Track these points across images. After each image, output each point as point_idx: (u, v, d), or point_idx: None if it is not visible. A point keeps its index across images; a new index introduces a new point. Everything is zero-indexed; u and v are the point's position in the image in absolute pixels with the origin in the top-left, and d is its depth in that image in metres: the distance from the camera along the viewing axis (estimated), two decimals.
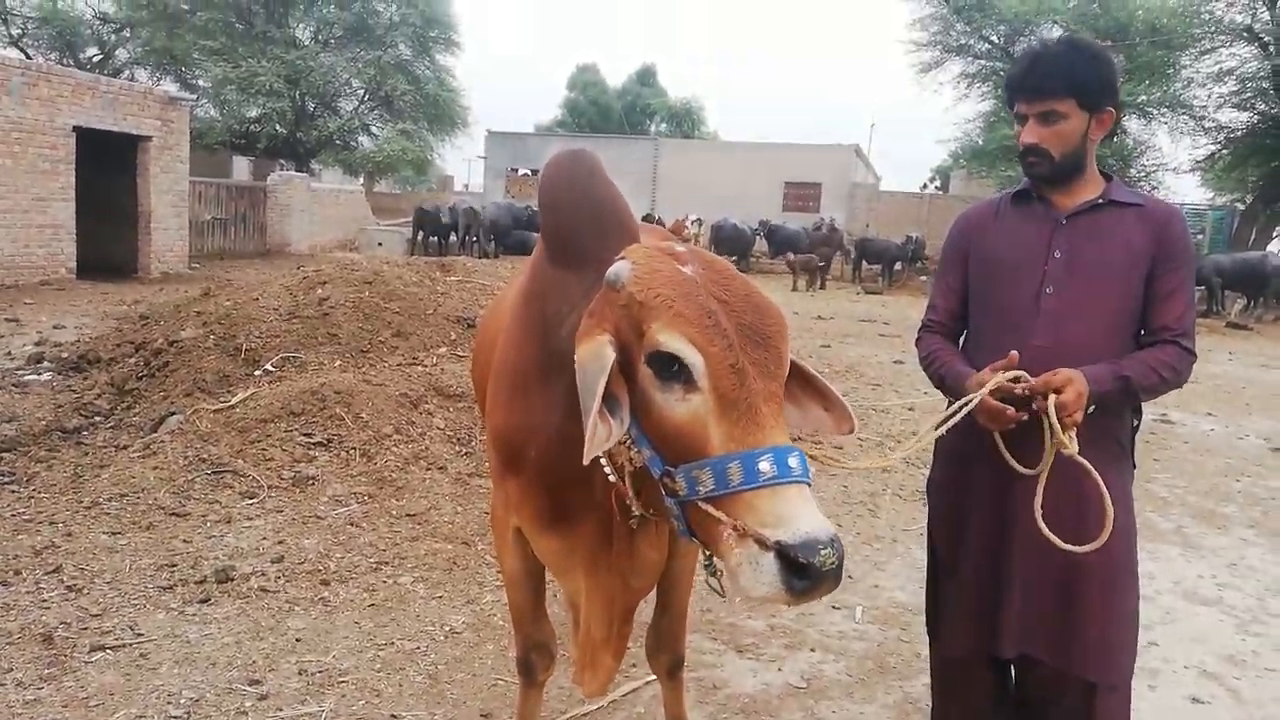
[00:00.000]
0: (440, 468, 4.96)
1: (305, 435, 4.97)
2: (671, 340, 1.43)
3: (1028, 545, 2.05)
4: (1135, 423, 2.15)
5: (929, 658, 2.43)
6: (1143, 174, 25.34)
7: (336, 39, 29.22)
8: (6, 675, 2.86)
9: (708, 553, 1.53)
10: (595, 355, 1.49)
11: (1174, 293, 2.04)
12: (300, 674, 3.03)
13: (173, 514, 4.15)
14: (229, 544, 3.94)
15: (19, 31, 28.12)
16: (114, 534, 3.93)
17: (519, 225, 23.67)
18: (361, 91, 29.30)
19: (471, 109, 31.57)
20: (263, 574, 3.70)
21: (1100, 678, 2.05)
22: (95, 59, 29.44)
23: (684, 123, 48.21)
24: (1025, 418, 1.98)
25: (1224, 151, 25.48)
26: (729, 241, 24.73)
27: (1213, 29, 23.16)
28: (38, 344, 8.11)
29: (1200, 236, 23.58)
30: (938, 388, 2.26)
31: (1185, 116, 24.40)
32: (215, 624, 3.30)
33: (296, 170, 24.64)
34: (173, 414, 5.18)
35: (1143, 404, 2.17)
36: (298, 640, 3.24)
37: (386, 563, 3.93)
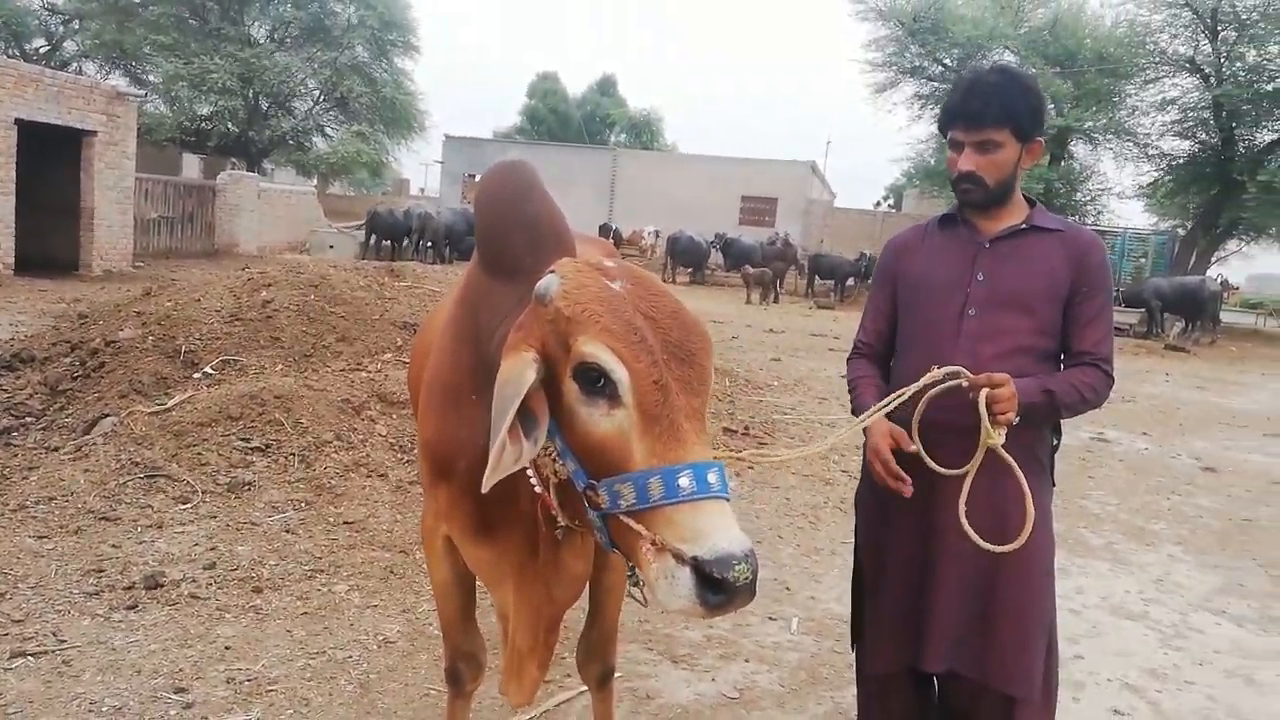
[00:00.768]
0: (381, 475, 4.92)
1: (243, 440, 4.90)
2: (597, 355, 1.44)
3: (950, 559, 2.10)
4: (1055, 442, 2.21)
5: (855, 672, 2.46)
6: (1088, 198, 26.04)
7: (292, 38, 28.94)
8: None
9: (631, 564, 1.54)
10: (515, 376, 1.49)
11: (1094, 319, 2.10)
12: (228, 682, 2.98)
13: (102, 518, 4.06)
14: (160, 550, 3.86)
15: None
16: (40, 538, 3.83)
17: (473, 231, 23.42)
18: (317, 92, 29.06)
19: (429, 113, 31.47)
20: (193, 580, 3.63)
21: (1015, 690, 2.10)
22: (42, 50, 28.80)
23: (643, 133, 48.40)
24: (908, 492, 2.07)
25: (1166, 178, 26.27)
26: (685, 253, 24.88)
27: (1157, 59, 23.91)
28: None
29: (1143, 260, 24.23)
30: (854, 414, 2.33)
31: (1130, 143, 25.16)
32: (142, 631, 3.24)
33: (248, 170, 24.27)
34: (106, 416, 5.07)
35: (1063, 423, 2.23)
36: (227, 648, 3.19)
37: (322, 570, 3.88)
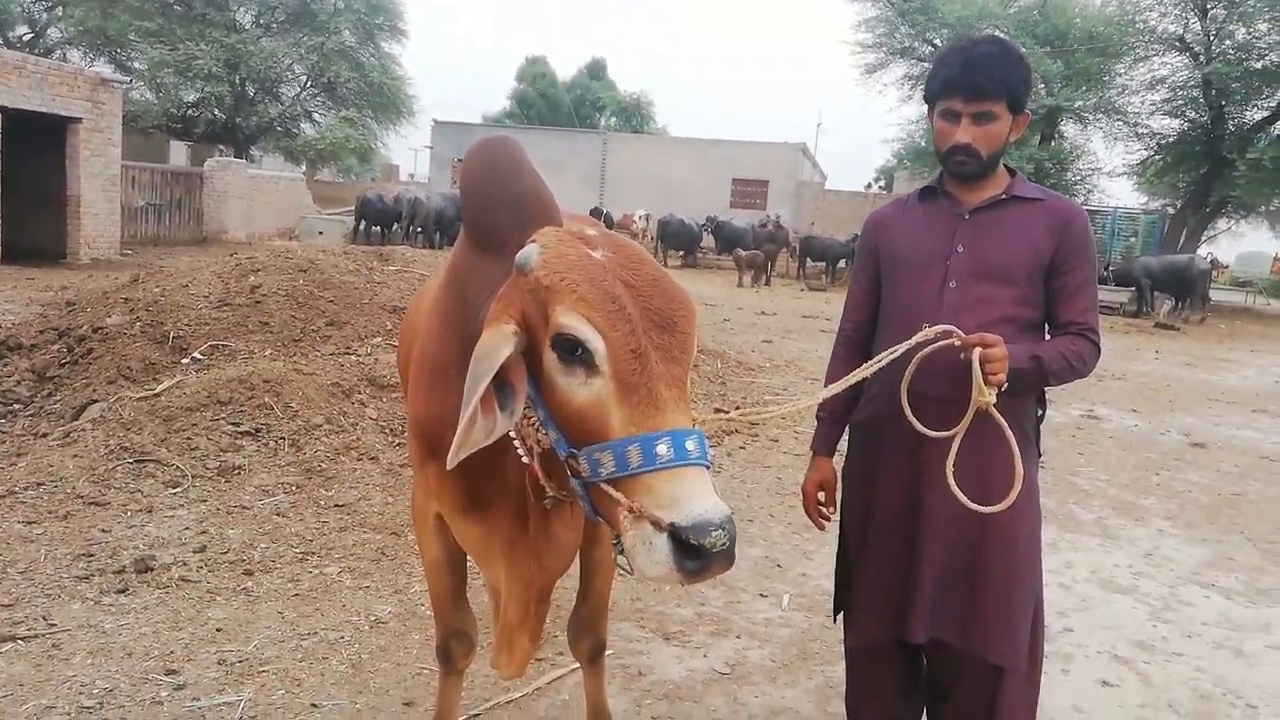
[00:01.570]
0: (372, 458, 4.91)
1: (232, 424, 4.88)
2: (574, 324, 1.44)
3: (936, 532, 2.10)
4: (1040, 412, 2.21)
5: (843, 645, 2.47)
6: (1078, 178, 26.04)
7: (279, 23, 28.69)
8: None
9: (616, 533, 1.54)
10: (491, 350, 1.49)
11: (1079, 288, 2.09)
12: (219, 664, 2.98)
13: (92, 503, 4.05)
14: (150, 534, 3.85)
15: None
16: (29, 523, 3.82)
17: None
18: (304, 78, 28.85)
19: (418, 98, 31.24)
20: (184, 564, 3.63)
21: (1002, 660, 2.11)
22: (25, 38, 28.52)
23: (633, 117, 48.23)
24: (828, 522, 2.33)
25: (1156, 157, 26.30)
26: (676, 236, 24.83)
27: (1147, 38, 23.87)
28: None
29: (1132, 239, 24.27)
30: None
31: (1120, 122, 25.15)
32: (133, 614, 3.23)
33: (236, 157, 24.13)
34: (95, 402, 5.05)
35: (1053, 402, 2.23)
36: (218, 630, 3.19)
37: (313, 553, 3.88)
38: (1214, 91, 23.24)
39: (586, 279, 1.47)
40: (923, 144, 26.75)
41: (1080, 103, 24.66)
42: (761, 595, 3.90)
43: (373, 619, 3.39)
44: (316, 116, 29.93)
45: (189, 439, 4.67)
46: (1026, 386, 2.07)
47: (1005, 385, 1.92)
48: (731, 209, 32.41)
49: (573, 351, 1.45)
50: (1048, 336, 2.14)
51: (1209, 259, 23.07)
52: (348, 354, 5.96)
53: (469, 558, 2.27)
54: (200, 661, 2.98)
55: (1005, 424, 1.92)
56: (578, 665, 2.95)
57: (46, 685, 2.75)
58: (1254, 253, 53.27)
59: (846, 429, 2.40)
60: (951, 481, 1.93)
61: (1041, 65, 23.84)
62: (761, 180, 34.56)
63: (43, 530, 3.77)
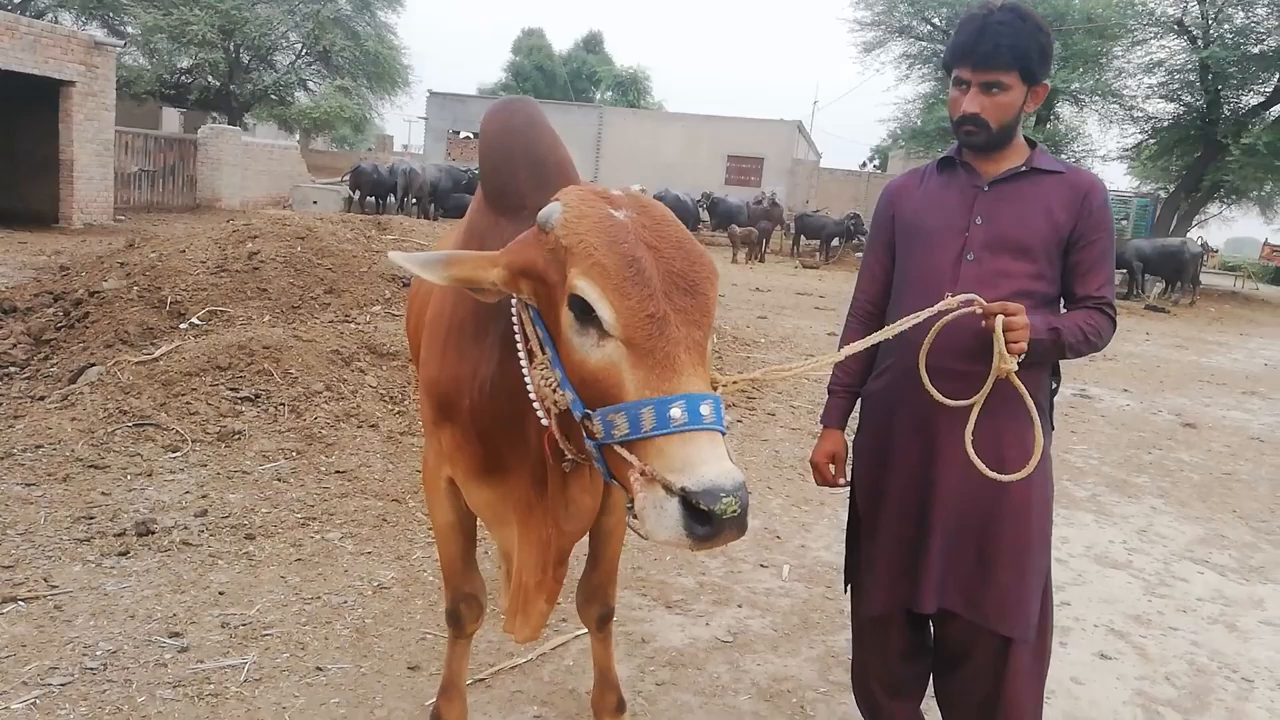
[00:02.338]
0: (372, 425, 4.90)
1: (231, 390, 4.87)
2: (586, 288, 1.43)
3: (948, 500, 2.10)
4: (1054, 385, 2.20)
5: (851, 617, 2.48)
6: (1073, 160, 25.93)
7: None
8: None
9: (630, 496, 1.54)
10: (469, 256, 1.60)
11: (1097, 262, 2.08)
12: (223, 627, 2.98)
13: (91, 466, 4.03)
14: (150, 497, 3.84)
15: None
16: (28, 485, 3.80)
17: (459, 188, 23.33)
18: (299, 45, 28.43)
19: (413, 68, 30.88)
20: (185, 528, 3.62)
21: (1012, 631, 2.12)
22: (16, 0, 28.04)
23: (629, 92, 47.86)
24: (841, 483, 2.33)
25: (1150, 141, 26.24)
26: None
27: (1145, 20, 23.73)
28: None
29: (1124, 222, 24.26)
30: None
31: (1115, 105, 25.07)
32: (134, 577, 3.23)
33: (229, 124, 23.86)
34: (92, 365, 5.02)
35: (1061, 373, 2.23)
36: (220, 594, 3.19)
37: (314, 518, 3.87)
38: (1210, 76, 23.15)
39: (606, 241, 1.46)
40: (918, 123, 26.63)
41: (1077, 85, 24.54)
42: (762, 566, 3.91)
43: (375, 584, 3.39)
44: (311, 85, 29.54)
45: (188, 404, 4.65)
46: (1044, 358, 2.06)
47: (1025, 354, 1.92)
48: (726, 186, 32.27)
49: (587, 313, 1.44)
50: (1063, 311, 2.13)
51: (1200, 243, 23.13)
52: (347, 321, 5.94)
53: (478, 522, 2.28)
54: (203, 624, 2.98)
55: (1025, 391, 1.91)
56: (582, 631, 2.98)
57: (49, 646, 2.75)
58: (1243, 238, 53.42)
59: (858, 403, 2.38)
60: (970, 450, 1.92)
61: None
62: (757, 157, 34.41)
63: (42, 492, 3.76)
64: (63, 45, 13.92)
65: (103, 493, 3.82)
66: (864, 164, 40.70)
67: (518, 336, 1.66)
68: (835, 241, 23.86)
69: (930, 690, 2.46)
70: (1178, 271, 20.41)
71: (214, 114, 27.28)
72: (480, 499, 2.02)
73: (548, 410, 1.61)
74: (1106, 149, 26.89)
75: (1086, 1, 24.51)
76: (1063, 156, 25.57)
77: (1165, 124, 25.58)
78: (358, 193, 22.05)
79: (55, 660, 2.68)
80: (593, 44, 51.85)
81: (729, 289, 14.94)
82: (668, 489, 1.35)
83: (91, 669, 2.66)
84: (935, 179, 2.22)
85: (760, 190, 29.15)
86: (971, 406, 1.96)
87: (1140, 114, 25.76)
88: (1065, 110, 26.04)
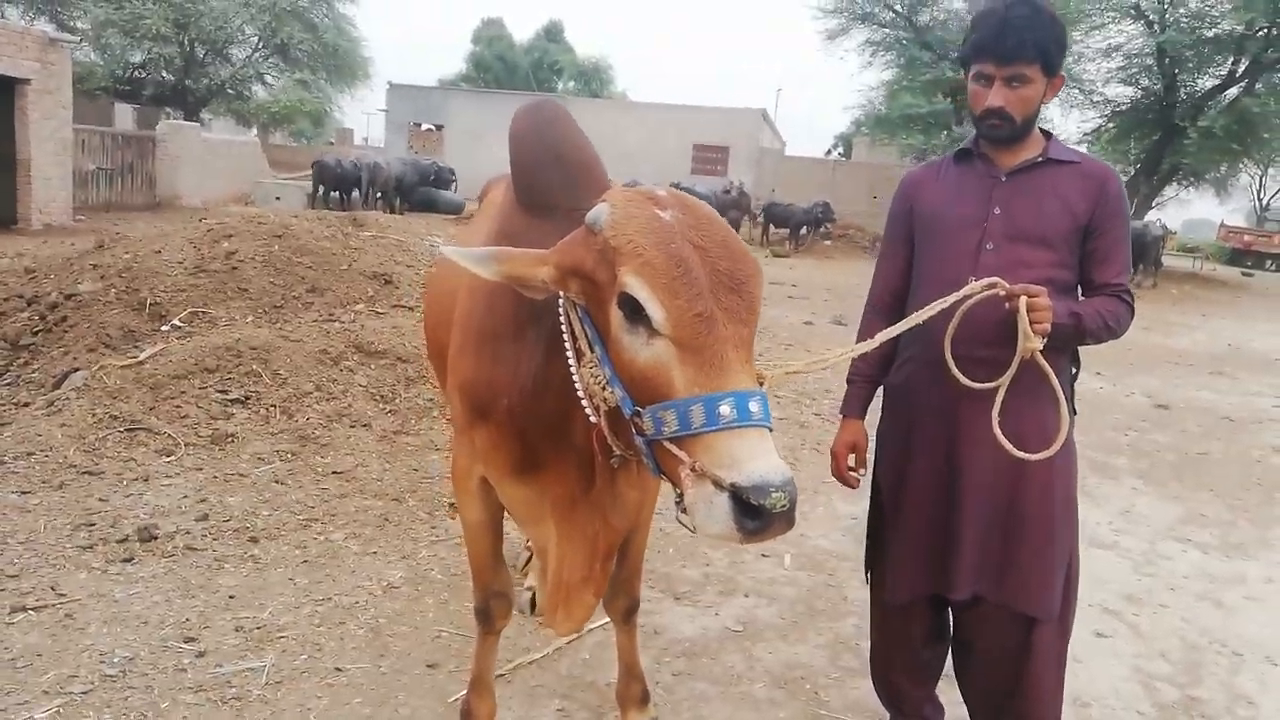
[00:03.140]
0: (364, 425, 4.88)
1: (221, 392, 4.82)
2: (636, 287, 1.46)
3: (976, 486, 2.15)
4: (1074, 371, 2.26)
5: (869, 603, 2.53)
6: None
7: None
8: None
9: (679, 491, 1.57)
10: (521, 255, 1.64)
11: (1114, 250, 2.14)
12: (237, 630, 2.97)
13: (85, 472, 3.98)
14: (149, 502, 3.81)
15: None
16: (23, 493, 3.75)
17: (424, 182, 23.14)
18: (255, 39, 27.98)
19: (373, 60, 30.55)
20: (187, 532, 3.59)
21: (1036, 611, 2.18)
22: None
23: (592, 81, 47.75)
24: (858, 480, 2.34)
25: (1109, 125, 26.63)
26: None
27: (1103, 5, 24.06)
28: None
29: None
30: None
31: (1075, 90, 25.37)
32: (142, 583, 3.20)
33: (185, 120, 23.45)
34: (76, 370, 4.94)
35: (1080, 359, 2.29)
36: (231, 597, 3.18)
37: (316, 519, 3.86)
38: (1167, 60, 23.56)
39: (654, 242, 1.49)
40: (883, 110, 26.85)
41: None
42: (764, 555, 3.96)
43: (385, 584, 3.39)
44: (269, 79, 29.14)
45: (178, 407, 4.61)
46: (1065, 343, 2.12)
47: (1047, 338, 1.96)
48: (692, 175, 32.28)
49: (637, 312, 1.47)
50: (1080, 298, 2.19)
51: (1160, 225, 23.57)
52: (331, 321, 5.89)
53: (505, 518, 2.29)
54: (217, 628, 2.97)
55: (1050, 370, 1.96)
56: (600, 624, 3.01)
57: (65, 655, 2.73)
58: (1199, 219, 54.57)
59: (878, 392, 2.43)
60: (997, 430, 1.97)
61: None
62: (722, 146, 34.43)
63: (39, 500, 3.71)
64: (17, 42, 13.59)
65: (100, 499, 3.78)
66: (828, 151, 40.97)
67: (565, 335, 1.68)
68: (804, 230, 23.99)
69: (948, 670, 2.52)
70: (1140, 254, 20.77)
71: (168, 110, 26.80)
72: (516, 496, 2.04)
73: (596, 408, 1.64)
74: (1067, 133, 27.07)
75: None
76: None
77: (1124, 108, 25.99)
78: (321, 188, 21.77)
79: (73, 668, 2.66)
80: (553, 33, 51.53)
81: None
82: (718, 484, 1.38)
83: (111, 676, 2.65)
84: (953, 171, 2.27)
85: (728, 179, 29.22)
86: (996, 389, 2.01)
87: (1100, 98, 26.14)
88: None
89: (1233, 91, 23.19)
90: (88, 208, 16.73)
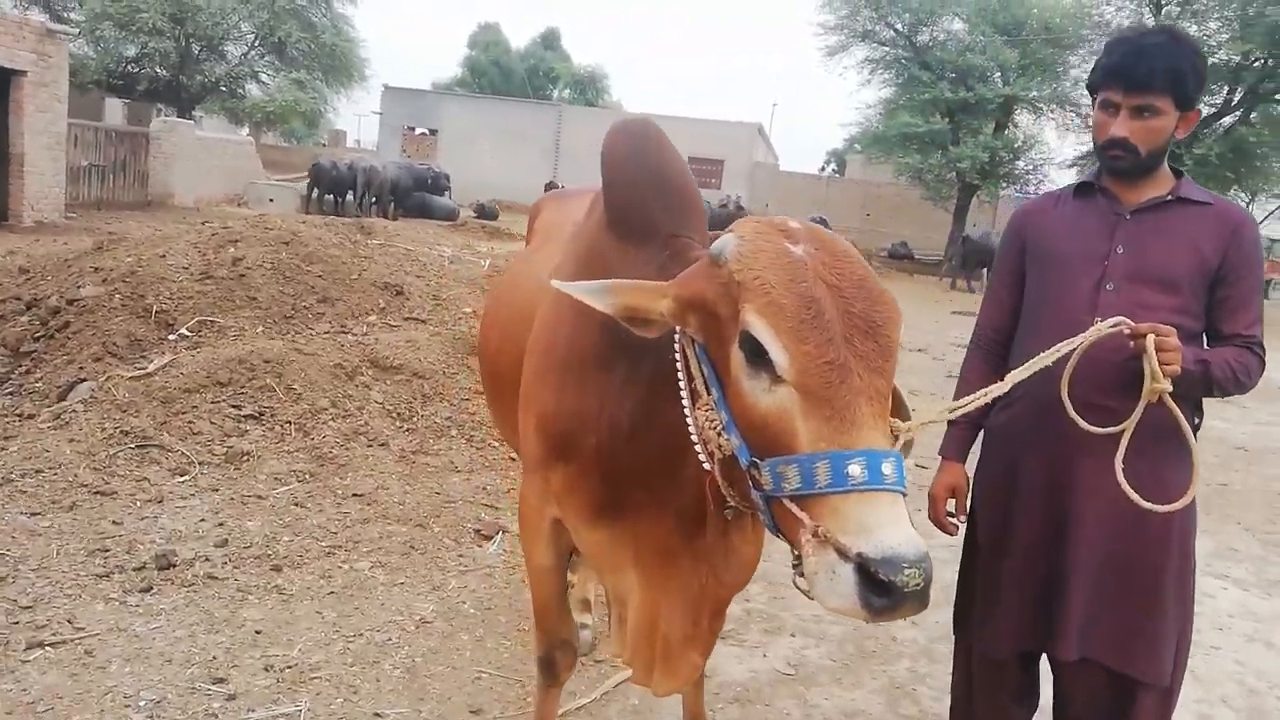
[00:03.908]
0: (382, 444, 4.72)
1: (234, 407, 4.64)
2: (760, 328, 1.33)
3: (1089, 541, 2.02)
4: (1197, 421, 2.14)
5: (954, 654, 2.40)
6: (1030, 167, 26.42)
7: None
8: None
9: (796, 554, 1.43)
10: (643, 286, 1.52)
11: (1247, 299, 2.02)
12: (267, 670, 2.80)
13: (97, 492, 3.80)
14: (165, 526, 3.63)
15: None
16: (33, 514, 3.56)
17: (420, 186, 22.96)
18: (252, 36, 27.70)
19: (369, 61, 30.32)
20: (207, 559, 3.42)
21: (1146, 676, 2.05)
22: None
23: (587, 90, 47.66)
24: (955, 528, 2.20)
25: None
26: None
27: (1100, 31, 24.18)
28: None
29: None
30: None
31: (1072, 114, 25.49)
32: (163, 616, 3.03)
33: (178, 117, 23.16)
34: (83, 380, 4.75)
35: (1204, 409, 2.17)
36: (258, 633, 3.01)
37: (340, 546, 3.69)
38: None
39: (784, 279, 1.36)
40: (879, 128, 26.85)
41: (1035, 93, 24.99)
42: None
43: (417, 618, 3.23)
44: (264, 77, 28.82)
45: (190, 422, 4.43)
46: (1189, 392, 1.98)
47: (1177, 376, 1.83)
48: None
49: (759, 354, 1.34)
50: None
51: None
52: (344, 333, 5.72)
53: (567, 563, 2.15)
54: (246, 668, 2.80)
55: (1180, 414, 1.83)
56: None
57: (87, 697, 2.56)
58: None
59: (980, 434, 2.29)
60: (1121, 479, 1.83)
61: (999, 55, 24.08)
62: (717, 159, 34.44)
63: (50, 523, 3.52)
64: (14, 33, 13.32)
65: (114, 521, 3.60)
66: (823, 168, 41.05)
67: (680, 373, 1.54)
68: None
69: None
70: None
71: (160, 105, 26.48)
72: (594, 540, 1.89)
73: (710, 454, 1.50)
74: (1063, 156, 27.20)
75: (1045, 11, 24.93)
76: (1019, 163, 26.10)
77: None
78: (315, 190, 21.55)
79: (97, 713, 2.50)
80: (550, 41, 51.47)
81: None
82: (842, 553, 1.25)
83: None
84: (1071, 204, 2.15)
85: (724, 193, 29.19)
86: (1121, 434, 1.87)
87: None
88: (1023, 118, 26.47)
89: (1229, 119, 23.33)
90: (79, 204, 16.45)
